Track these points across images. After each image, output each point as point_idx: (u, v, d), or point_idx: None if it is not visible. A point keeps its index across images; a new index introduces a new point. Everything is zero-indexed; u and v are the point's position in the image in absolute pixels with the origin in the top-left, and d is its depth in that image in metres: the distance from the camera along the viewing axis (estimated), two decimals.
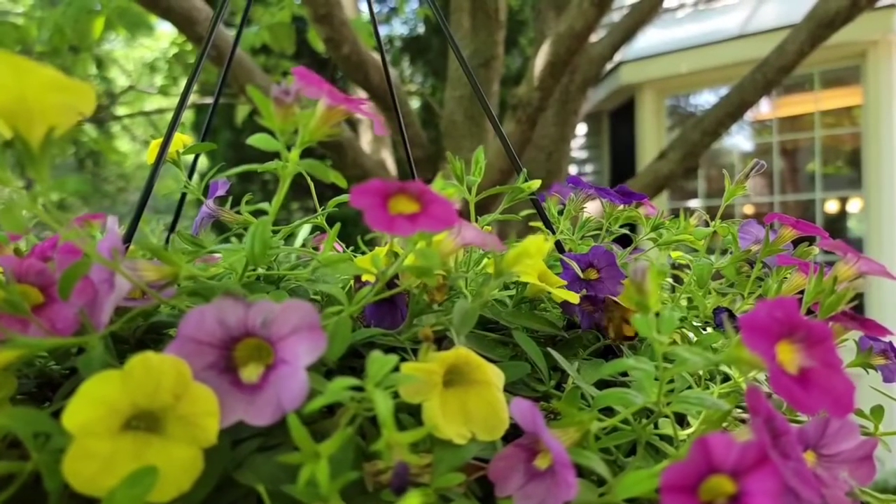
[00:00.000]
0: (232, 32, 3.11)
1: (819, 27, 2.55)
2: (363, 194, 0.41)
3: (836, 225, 5.76)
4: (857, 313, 0.53)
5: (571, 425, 0.46)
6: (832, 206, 5.73)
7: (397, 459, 0.38)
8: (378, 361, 0.42)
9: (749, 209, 6.13)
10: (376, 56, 3.00)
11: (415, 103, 6.88)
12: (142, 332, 0.52)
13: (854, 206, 5.62)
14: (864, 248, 5.25)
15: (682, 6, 6.21)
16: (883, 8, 4.56)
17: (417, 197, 0.42)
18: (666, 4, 5.99)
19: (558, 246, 0.76)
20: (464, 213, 0.77)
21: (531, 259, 0.48)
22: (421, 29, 7.08)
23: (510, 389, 0.59)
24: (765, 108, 6.04)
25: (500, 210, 0.67)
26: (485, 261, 0.71)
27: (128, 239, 0.63)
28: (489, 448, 0.49)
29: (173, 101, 5.94)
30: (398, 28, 7.42)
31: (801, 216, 5.77)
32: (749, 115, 6.09)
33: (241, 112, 3.54)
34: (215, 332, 0.42)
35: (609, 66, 6.19)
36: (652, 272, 0.41)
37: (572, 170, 6.91)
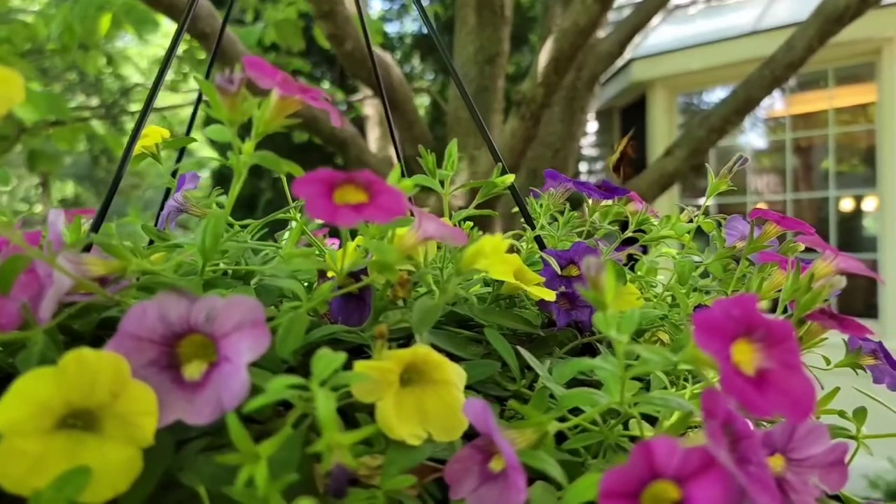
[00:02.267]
0: (236, 31, 3.10)
1: (828, 23, 2.50)
2: (306, 183, 0.39)
3: (851, 223, 5.69)
4: (870, 311, 0.51)
5: (529, 426, 0.44)
6: (847, 205, 5.66)
7: (335, 461, 0.37)
8: (324, 359, 0.40)
9: (762, 207, 6.06)
10: (381, 53, 2.99)
11: (427, 100, 6.87)
12: (95, 328, 0.50)
13: (869, 204, 5.55)
14: (878, 247, 5.19)
15: (694, 3, 6.16)
16: None
17: (365, 186, 0.41)
18: (678, 1, 5.94)
19: (539, 242, 0.75)
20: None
21: (487, 258, 0.46)
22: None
23: (480, 388, 0.58)
24: (778, 105, 5.98)
25: (474, 204, 0.65)
26: None
27: (94, 231, 0.62)
28: (449, 449, 0.47)
29: (185, 98, 5.93)
30: (409, 25, 7.41)
31: (815, 214, 5.70)
32: (762, 113, 6.03)
33: None
34: (156, 328, 0.41)
35: (620, 63, 6.16)
36: (609, 268, 0.39)
37: (582, 167, 6.88)
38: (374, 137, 3.84)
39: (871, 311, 5.11)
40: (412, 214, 0.50)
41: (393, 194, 0.40)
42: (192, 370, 0.41)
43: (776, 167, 6.01)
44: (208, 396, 0.40)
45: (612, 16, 5.08)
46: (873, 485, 3.92)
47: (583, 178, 6.89)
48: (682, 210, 0.85)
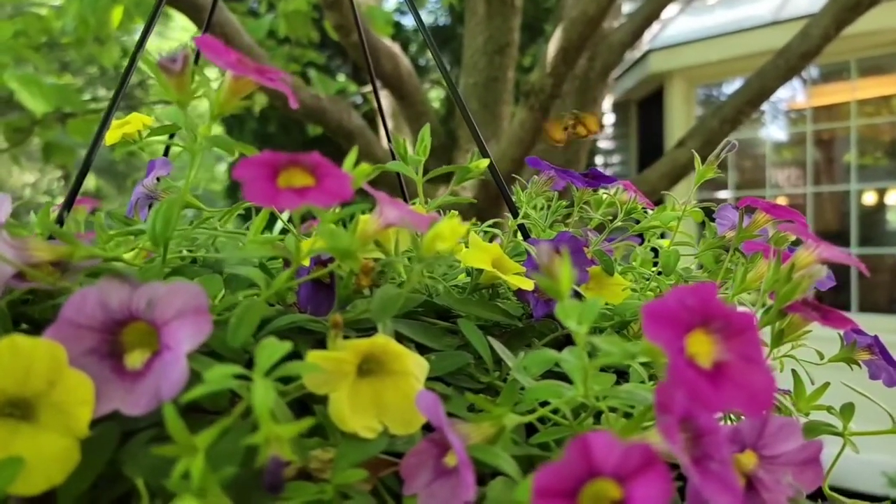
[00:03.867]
0: (250, 23, 3.10)
1: (843, 11, 2.44)
2: (248, 166, 0.38)
3: (874, 217, 5.59)
4: (893, 307, 0.49)
5: (486, 420, 0.42)
6: (869, 198, 5.56)
7: (271, 454, 0.35)
8: (268, 348, 0.39)
9: (782, 201, 5.98)
10: (388, 43, 2.97)
11: (442, 93, 6.84)
12: (51, 314, 0.49)
13: (892, 198, 5.44)
14: None
15: None
16: None
17: (312, 169, 0.39)
18: None
19: (523, 231, 0.73)
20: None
21: (445, 242, 0.45)
22: (446, 20, 7.03)
23: (451, 381, 0.56)
24: (800, 97, 5.88)
25: (448, 191, 0.64)
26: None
27: (60, 220, 0.61)
28: (410, 443, 0.46)
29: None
30: (424, 18, 7.36)
31: (837, 208, 5.61)
32: (783, 104, 5.93)
33: (259, 100, 3.55)
34: (96, 315, 0.40)
35: (637, 55, 6.08)
36: (566, 258, 0.37)
37: (598, 160, 6.82)
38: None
39: (895, 306, 5.02)
40: (375, 200, 0.48)
41: (339, 177, 0.39)
42: (134, 359, 0.40)
43: (797, 160, 5.91)
44: (147, 386, 0.38)
45: (627, 7, 5.02)
46: (892, 482, 3.85)
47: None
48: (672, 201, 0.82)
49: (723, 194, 5.88)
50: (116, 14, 3.03)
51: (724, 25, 5.61)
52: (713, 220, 0.76)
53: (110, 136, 0.81)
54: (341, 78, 6.71)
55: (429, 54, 7.56)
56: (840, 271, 5.36)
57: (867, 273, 0.49)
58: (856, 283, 5.14)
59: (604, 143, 6.81)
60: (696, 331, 0.34)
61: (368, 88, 3.96)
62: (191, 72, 0.43)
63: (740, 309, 0.35)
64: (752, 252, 0.61)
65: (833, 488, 0.53)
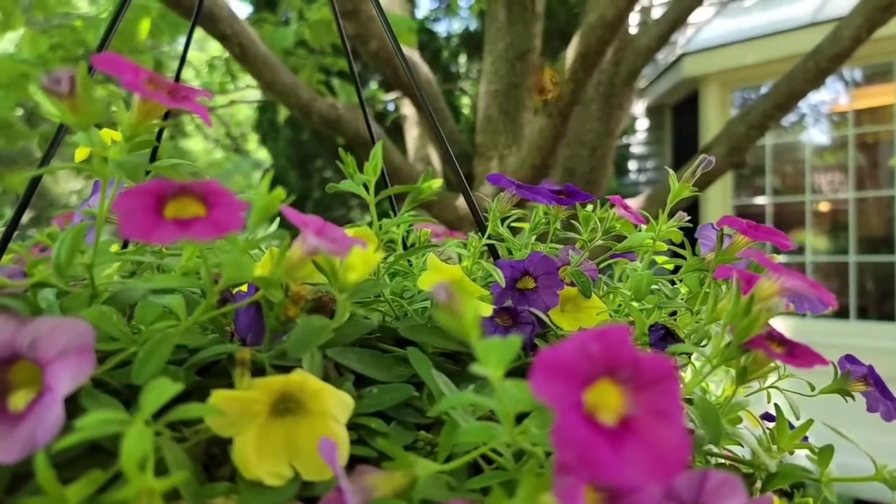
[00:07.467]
0: (254, 29, 3.11)
1: (876, 11, 2.33)
2: (129, 197, 0.35)
3: None
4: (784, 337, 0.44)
5: (399, 469, 0.39)
6: None
7: None
8: (157, 389, 0.36)
9: (824, 206, 5.80)
10: (408, 51, 2.95)
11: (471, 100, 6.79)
12: None
13: None
14: None
15: None
16: None
17: (203, 198, 0.36)
18: None
19: (492, 251, 0.69)
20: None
21: (356, 272, 0.41)
22: (478, 25, 6.99)
23: (397, 415, 0.53)
24: (842, 100, 5.70)
25: (404, 210, 0.60)
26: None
27: (5, 241, 0.59)
28: (329, 489, 0.43)
29: (241, 95, 5.91)
30: (457, 24, 7.35)
31: (881, 213, 5.43)
32: (825, 108, 5.76)
33: (283, 111, 3.55)
34: None
35: (671, 58, 5.96)
36: (459, 290, 0.33)
37: (632, 166, 6.71)
38: (411, 137, 3.81)
39: None
40: (298, 226, 0.45)
41: (230, 207, 0.36)
42: (18, 400, 0.37)
43: (839, 164, 5.73)
44: (24, 431, 0.36)
45: (657, 12, 4.93)
46: None
47: (632, 177, 6.72)
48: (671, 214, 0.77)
49: (760, 200, 5.73)
50: (144, 26, 3.07)
51: (761, 27, 5.47)
52: None
53: (79, 153, 0.80)
54: (373, 86, 6.73)
55: (461, 60, 7.54)
56: (884, 280, 5.17)
57: (836, 305, 0.44)
58: None
59: (637, 149, 6.70)
60: (602, 380, 0.30)
61: (393, 96, 3.95)
62: (87, 91, 0.40)
63: (654, 354, 0.31)
64: (727, 278, 0.57)
65: (861, 500, 0.49)
